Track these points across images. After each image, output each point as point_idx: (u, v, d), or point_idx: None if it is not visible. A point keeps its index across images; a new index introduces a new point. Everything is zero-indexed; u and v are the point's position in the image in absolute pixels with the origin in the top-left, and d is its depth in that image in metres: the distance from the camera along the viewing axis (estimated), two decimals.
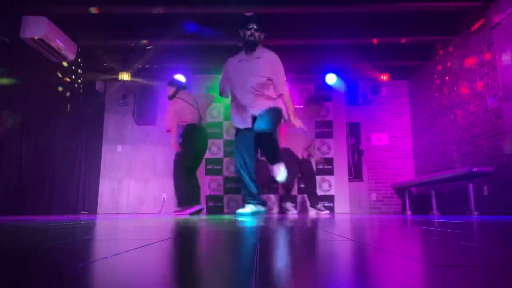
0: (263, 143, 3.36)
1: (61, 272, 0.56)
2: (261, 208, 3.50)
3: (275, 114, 3.50)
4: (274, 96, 3.55)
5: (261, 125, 3.31)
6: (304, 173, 5.47)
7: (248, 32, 3.50)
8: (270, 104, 3.49)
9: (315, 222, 2.52)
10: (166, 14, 4.89)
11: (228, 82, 3.73)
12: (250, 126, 3.50)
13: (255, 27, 3.50)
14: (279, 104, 3.57)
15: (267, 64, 3.51)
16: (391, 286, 0.51)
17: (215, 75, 6.52)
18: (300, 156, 5.34)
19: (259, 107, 3.47)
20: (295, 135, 5.20)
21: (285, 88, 3.60)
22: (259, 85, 3.46)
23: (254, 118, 3.50)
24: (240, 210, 3.51)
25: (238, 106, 3.60)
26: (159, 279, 0.54)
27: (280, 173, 3.36)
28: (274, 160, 3.39)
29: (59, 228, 1.72)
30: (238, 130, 3.67)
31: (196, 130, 4.61)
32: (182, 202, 4.41)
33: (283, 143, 5.05)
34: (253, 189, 3.48)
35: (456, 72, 5.24)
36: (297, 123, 3.74)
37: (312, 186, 5.49)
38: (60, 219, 2.86)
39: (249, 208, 3.44)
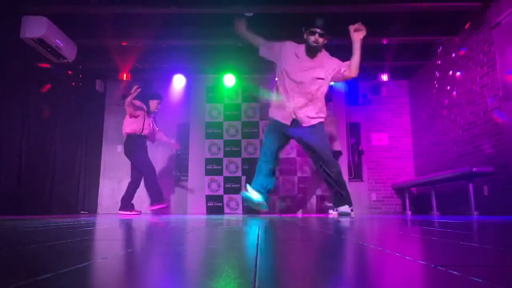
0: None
1: (61, 272, 0.56)
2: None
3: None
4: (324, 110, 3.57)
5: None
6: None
7: (312, 38, 3.41)
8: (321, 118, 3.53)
9: (317, 223, 2.52)
10: (166, 14, 4.88)
11: (277, 59, 3.60)
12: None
13: (320, 32, 3.40)
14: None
15: (327, 70, 3.49)
16: (391, 285, 0.51)
17: (215, 75, 6.53)
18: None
19: (311, 118, 3.47)
20: None
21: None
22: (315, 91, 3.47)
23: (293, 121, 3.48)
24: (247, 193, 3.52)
25: (283, 103, 3.52)
26: (158, 279, 0.54)
27: None
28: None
29: (59, 228, 1.72)
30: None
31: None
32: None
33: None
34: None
35: (456, 72, 5.24)
36: None
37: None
38: (60, 219, 2.86)
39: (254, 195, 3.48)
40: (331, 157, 3.43)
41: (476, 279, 0.50)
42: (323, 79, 3.46)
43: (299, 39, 3.63)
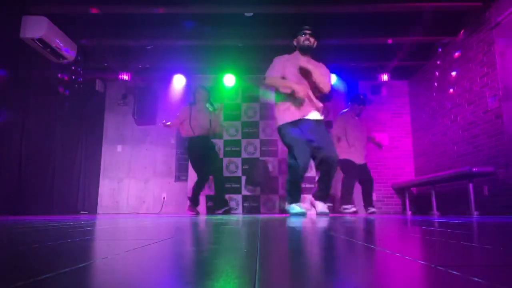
0: (331, 172, 3.44)
1: (61, 272, 0.56)
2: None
3: None
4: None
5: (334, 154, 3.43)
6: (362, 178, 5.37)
7: (303, 37, 3.62)
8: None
9: (317, 222, 2.51)
10: (166, 14, 4.89)
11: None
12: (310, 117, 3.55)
13: (310, 32, 3.61)
14: None
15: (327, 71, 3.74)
16: (391, 285, 0.51)
17: (215, 75, 6.53)
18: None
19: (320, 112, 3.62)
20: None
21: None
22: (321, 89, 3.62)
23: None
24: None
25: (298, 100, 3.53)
26: (158, 279, 0.54)
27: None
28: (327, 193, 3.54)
29: (59, 228, 1.72)
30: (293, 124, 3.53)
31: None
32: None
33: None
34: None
35: (456, 72, 5.24)
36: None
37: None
38: (60, 219, 2.86)
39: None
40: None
41: (476, 279, 0.50)
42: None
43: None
